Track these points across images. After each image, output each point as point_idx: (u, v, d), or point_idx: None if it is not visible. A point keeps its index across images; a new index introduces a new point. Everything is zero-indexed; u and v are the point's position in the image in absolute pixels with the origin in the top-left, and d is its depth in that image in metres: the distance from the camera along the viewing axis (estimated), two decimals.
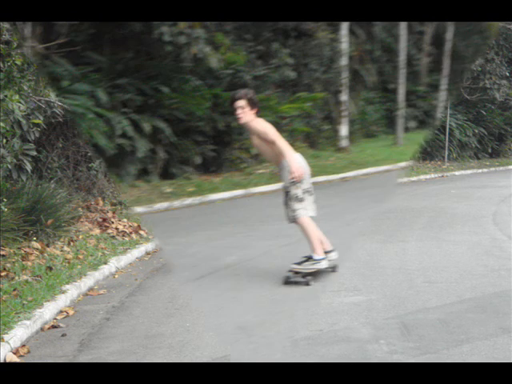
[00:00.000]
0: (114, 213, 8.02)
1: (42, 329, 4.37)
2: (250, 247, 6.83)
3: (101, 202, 8.24)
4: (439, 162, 16.83)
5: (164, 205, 9.92)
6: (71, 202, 7.34)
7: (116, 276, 5.83)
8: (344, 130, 19.43)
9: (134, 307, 4.82)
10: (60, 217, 6.56)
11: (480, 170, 16.14)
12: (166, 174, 12.20)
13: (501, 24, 17.08)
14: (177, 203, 10.15)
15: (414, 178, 14.03)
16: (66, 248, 6.19)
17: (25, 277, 5.09)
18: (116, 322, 4.48)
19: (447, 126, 16.34)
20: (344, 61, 19.40)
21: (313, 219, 5.45)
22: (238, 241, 7.23)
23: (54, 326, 4.40)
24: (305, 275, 5.28)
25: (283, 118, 15.16)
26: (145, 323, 4.42)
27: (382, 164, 16.20)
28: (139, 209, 9.49)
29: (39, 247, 5.96)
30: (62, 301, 4.82)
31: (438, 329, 4.13)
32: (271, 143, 5.33)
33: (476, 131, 16.93)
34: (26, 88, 5.86)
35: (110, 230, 7.25)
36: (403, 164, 16.84)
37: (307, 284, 5.22)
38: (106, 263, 5.96)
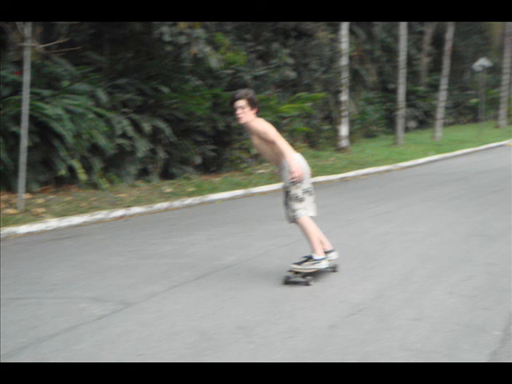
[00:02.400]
0: None
1: None
2: (249, 247, 6.83)
3: None
4: None
5: (164, 205, 9.93)
6: None
7: None
8: (344, 129, 19.45)
9: None
10: None
11: None
12: (165, 174, 12.22)
13: None
14: (177, 203, 10.16)
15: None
16: None
17: None
18: None
19: None
20: (344, 61, 19.41)
21: (313, 219, 5.45)
22: (238, 241, 7.23)
23: None
24: (305, 275, 5.28)
25: (283, 117, 15.17)
26: None
27: (382, 164, 16.22)
28: (139, 209, 9.50)
29: None
30: None
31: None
32: (271, 143, 5.33)
33: None
34: None
35: None
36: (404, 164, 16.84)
37: (307, 284, 5.22)
38: None
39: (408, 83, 26.14)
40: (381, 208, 9.44)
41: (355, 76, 25.12)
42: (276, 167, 5.65)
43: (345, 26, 19.29)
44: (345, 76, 19.46)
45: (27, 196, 9.11)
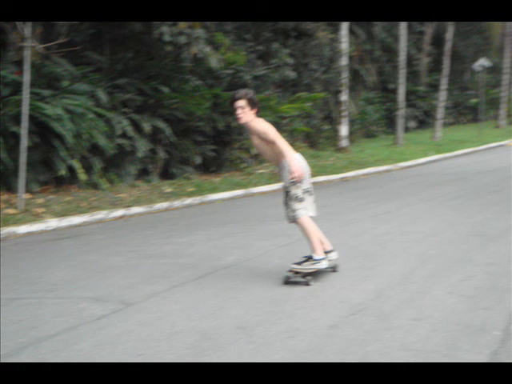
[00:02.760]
0: None
1: None
2: (249, 247, 6.83)
3: None
4: None
5: (164, 205, 9.92)
6: None
7: None
8: (344, 130, 19.45)
9: None
10: None
11: None
12: (166, 174, 12.22)
13: None
14: (177, 203, 10.16)
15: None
16: None
17: None
18: None
19: None
20: (344, 61, 19.42)
21: (313, 219, 5.45)
22: (238, 241, 7.23)
23: None
24: (305, 275, 5.28)
25: (283, 117, 15.17)
26: None
27: (382, 164, 16.22)
28: (139, 209, 9.50)
29: None
30: None
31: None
32: (271, 143, 5.33)
33: None
34: None
35: None
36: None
37: (307, 284, 5.23)
38: None
39: (408, 83, 26.14)
40: (381, 208, 9.44)
41: (355, 76, 25.12)
42: (276, 167, 5.65)
43: (345, 26, 19.28)
44: (345, 76, 19.46)
45: (27, 196, 9.11)
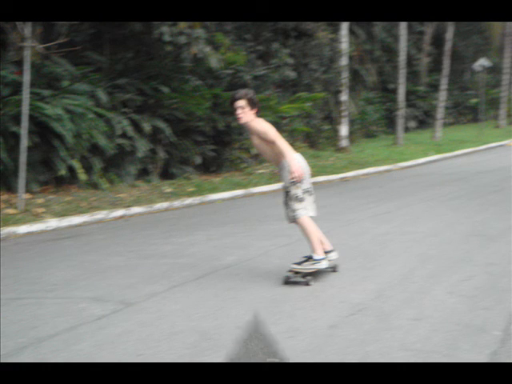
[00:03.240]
0: None
1: None
2: (249, 247, 6.83)
3: None
4: None
5: (164, 205, 9.92)
6: None
7: None
8: (344, 130, 19.45)
9: None
10: None
11: None
12: (166, 174, 12.22)
13: None
14: (177, 203, 10.16)
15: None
16: None
17: None
18: None
19: None
20: (344, 61, 19.41)
21: (313, 219, 5.46)
22: (238, 241, 7.23)
23: None
24: (305, 275, 5.28)
25: (283, 117, 15.16)
26: None
27: (382, 164, 16.22)
28: (139, 209, 9.50)
29: None
30: None
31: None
32: (271, 143, 5.33)
33: None
34: None
35: None
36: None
37: (307, 284, 5.23)
38: None
39: (408, 83, 26.13)
40: (381, 208, 9.44)
41: (355, 76, 25.11)
42: (276, 167, 5.65)
43: (345, 26, 19.28)
44: (345, 76, 19.45)
45: (27, 196, 9.11)
